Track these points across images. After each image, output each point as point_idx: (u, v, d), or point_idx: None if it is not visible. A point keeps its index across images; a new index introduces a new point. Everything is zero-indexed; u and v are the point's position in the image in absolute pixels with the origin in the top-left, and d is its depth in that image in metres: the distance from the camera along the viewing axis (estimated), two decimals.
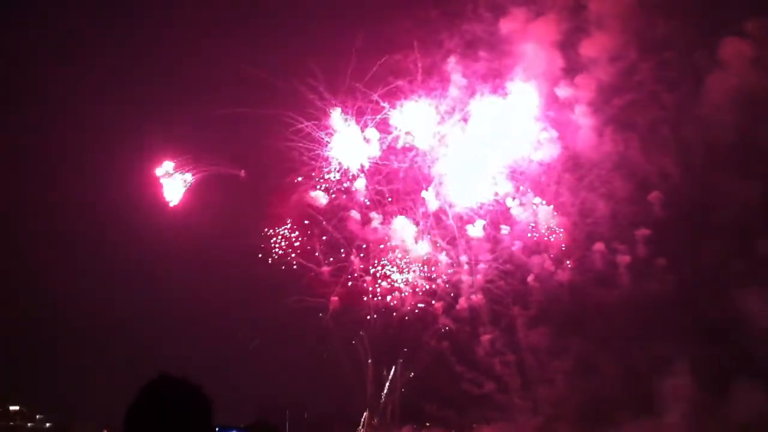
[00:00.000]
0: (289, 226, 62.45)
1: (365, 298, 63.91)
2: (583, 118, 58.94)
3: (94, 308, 61.50)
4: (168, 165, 61.56)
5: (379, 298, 63.94)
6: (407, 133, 62.30)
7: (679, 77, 56.40)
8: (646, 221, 59.11)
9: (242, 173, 61.70)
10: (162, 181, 61.30)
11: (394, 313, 63.40)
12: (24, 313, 61.59)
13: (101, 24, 65.04)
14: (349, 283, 63.31)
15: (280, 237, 62.51)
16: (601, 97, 59.03)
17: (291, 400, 60.47)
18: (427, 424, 61.53)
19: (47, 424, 67.63)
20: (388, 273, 63.95)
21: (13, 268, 61.63)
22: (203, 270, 61.68)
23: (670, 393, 52.45)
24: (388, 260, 63.84)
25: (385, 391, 62.77)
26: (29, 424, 67.93)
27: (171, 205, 61.69)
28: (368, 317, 63.49)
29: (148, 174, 61.34)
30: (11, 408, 68.07)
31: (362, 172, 62.46)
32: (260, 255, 61.83)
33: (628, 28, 57.34)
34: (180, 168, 61.63)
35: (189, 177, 61.80)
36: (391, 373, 62.61)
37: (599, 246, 61.19)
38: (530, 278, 61.53)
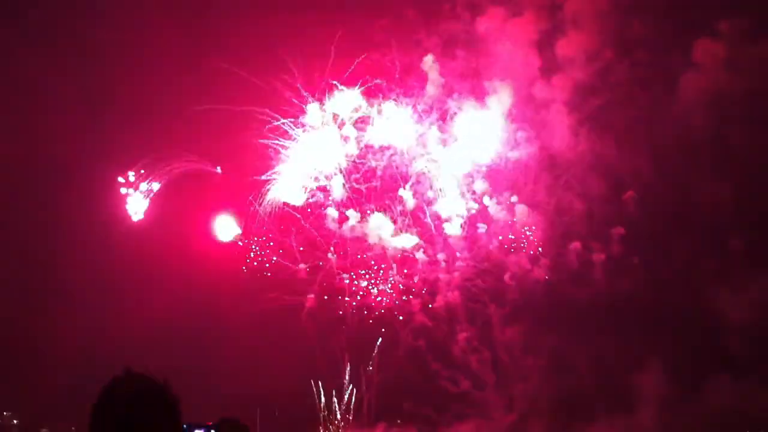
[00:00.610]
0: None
1: (342, 297, 64.42)
2: (559, 118, 59.66)
3: (63, 307, 61.49)
4: (131, 174, 61.80)
5: (359, 296, 64.51)
6: (384, 132, 62.84)
7: (654, 77, 57.39)
8: (621, 220, 60.04)
9: (218, 169, 62.16)
10: (126, 191, 61.59)
11: (370, 311, 63.88)
12: None
13: (61, 20, 64.44)
14: (325, 282, 63.85)
15: (254, 237, 62.96)
16: (577, 97, 59.92)
17: (261, 398, 60.81)
18: (398, 420, 62.07)
19: (14, 421, 67.52)
20: (364, 271, 64.54)
21: None
22: (173, 271, 61.86)
23: (644, 389, 53.35)
24: (364, 258, 64.40)
25: (360, 388, 63.40)
26: None
27: (135, 219, 61.92)
28: (344, 315, 63.91)
29: (110, 185, 61.59)
30: None
31: (339, 170, 62.94)
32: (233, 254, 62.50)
33: (603, 28, 58.22)
34: (145, 175, 61.82)
35: (155, 186, 61.99)
36: (368, 369, 63.35)
37: (575, 245, 62.00)
38: (506, 276, 62.22)
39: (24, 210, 63.01)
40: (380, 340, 63.63)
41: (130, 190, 61.64)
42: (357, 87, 62.28)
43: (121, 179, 61.44)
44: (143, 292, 62.33)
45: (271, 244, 63.26)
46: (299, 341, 62.95)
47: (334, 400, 63.11)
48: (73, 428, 64.51)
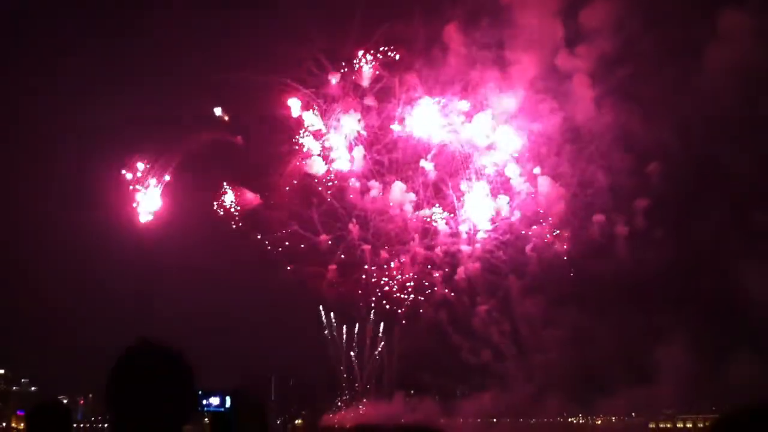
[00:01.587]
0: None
1: (363, 268, 65.01)
2: (583, 89, 59.58)
3: (80, 278, 62.57)
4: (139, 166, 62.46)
5: (384, 273, 65.01)
6: (407, 103, 63.12)
7: (679, 48, 57.01)
8: (645, 193, 60.03)
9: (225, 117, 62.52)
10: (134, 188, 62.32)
11: (391, 283, 64.44)
12: (7, 281, 62.66)
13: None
14: (345, 254, 64.45)
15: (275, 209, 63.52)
16: (602, 68, 59.64)
17: (277, 367, 61.72)
18: (411, 391, 62.96)
19: (32, 388, 68.75)
20: (386, 242, 65.07)
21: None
22: (192, 244, 62.79)
23: (665, 362, 53.66)
24: (386, 230, 64.89)
25: (380, 359, 64.20)
26: (14, 388, 69.24)
27: (144, 219, 62.41)
28: (365, 286, 64.54)
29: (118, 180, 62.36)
30: None
31: (361, 141, 63.36)
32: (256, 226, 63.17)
33: None
34: (155, 166, 62.19)
35: (165, 177, 62.30)
36: (375, 355, 64.08)
37: (598, 217, 62.06)
38: (528, 248, 62.48)
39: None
40: (382, 325, 64.33)
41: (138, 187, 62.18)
42: (379, 57, 62.62)
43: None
44: (163, 268, 63.13)
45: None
46: (317, 311, 63.89)
47: (351, 370, 64.13)
48: (90, 395, 65.84)
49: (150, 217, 61.59)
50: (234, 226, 63.12)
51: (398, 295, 64.57)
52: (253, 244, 62.76)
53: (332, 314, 65.07)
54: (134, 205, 61.50)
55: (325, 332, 64.28)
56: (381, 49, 62.88)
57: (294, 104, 62.63)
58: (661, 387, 54.04)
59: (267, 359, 60.66)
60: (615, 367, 55.25)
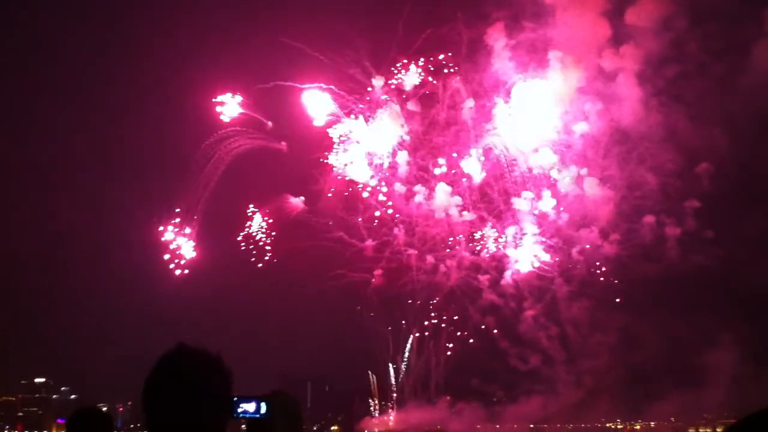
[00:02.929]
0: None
1: (409, 273, 65.65)
2: (629, 90, 59.78)
3: (121, 287, 64.31)
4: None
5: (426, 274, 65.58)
6: (450, 108, 63.86)
7: (726, 47, 57.01)
8: (695, 194, 60.03)
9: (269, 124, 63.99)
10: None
11: (437, 288, 65.08)
12: (51, 292, 64.71)
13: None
14: (390, 259, 65.22)
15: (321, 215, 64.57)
16: (648, 68, 59.78)
17: (314, 373, 62.69)
18: (448, 397, 63.58)
19: (72, 396, 70.50)
20: (432, 247, 65.69)
21: (42, 254, 64.86)
22: (236, 253, 64.30)
23: (715, 366, 53.64)
24: (432, 234, 65.53)
25: (426, 363, 64.87)
26: (54, 396, 71.20)
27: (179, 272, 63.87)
28: (412, 291, 65.24)
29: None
30: (36, 380, 71.36)
31: (404, 146, 64.20)
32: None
33: None
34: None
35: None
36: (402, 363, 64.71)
37: (648, 219, 62.08)
38: (575, 251, 62.70)
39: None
40: (414, 335, 64.94)
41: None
42: (422, 62, 63.52)
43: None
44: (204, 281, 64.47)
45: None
46: (361, 317, 64.86)
47: (391, 375, 64.92)
48: (129, 403, 67.40)
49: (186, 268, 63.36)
50: (257, 263, 64.52)
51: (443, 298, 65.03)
52: (296, 252, 63.82)
53: (373, 319, 65.71)
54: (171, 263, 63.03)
55: (367, 337, 65.09)
56: (424, 54, 63.74)
57: (338, 111, 63.75)
58: (708, 391, 54.00)
59: (304, 365, 61.76)
60: (662, 371, 55.38)
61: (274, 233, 64.85)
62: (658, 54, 59.43)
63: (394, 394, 65.22)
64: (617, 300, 59.40)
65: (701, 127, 59.51)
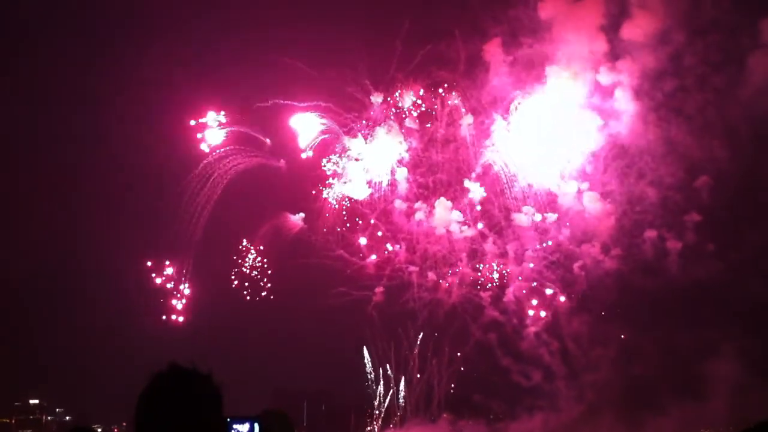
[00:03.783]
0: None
1: (410, 290, 65.94)
2: (626, 104, 60.29)
3: (114, 309, 64.63)
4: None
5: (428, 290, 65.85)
6: (449, 125, 64.42)
7: (723, 60, 57.52)
8: (695, 207, 60.43)
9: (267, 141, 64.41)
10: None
11: (439, 305, 65.34)
12: (44, 312, 65.04)
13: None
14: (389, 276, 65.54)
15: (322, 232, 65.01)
16: (646, 82, 60.31)
17: (309, 392, 62.84)
18: (449, 415, 63.66)
19: (67, 417, 70.72)
20: (433, 264, 66.03)
21: (35, 272, 65.27)
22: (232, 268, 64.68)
23: (716, 379, 53.79)
24: (433, 251, 65.88)
25: (427, 380, 65.05)
26: (49, 417, 71.44)
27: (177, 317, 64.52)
28: (413, 308, 65.53)
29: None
30: (31, 402, 71.66)
31: (403, 164, 64.70)
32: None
33: (670, 10, 58.49)
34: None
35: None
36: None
37: (650, 233, 62.39)
38: (577, 266, 62.96)
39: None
40: (415, 352, 65.17)
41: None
42: (422, 80, 64.17)
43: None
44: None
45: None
46: (361, 335, 65.24)
47: (390, 393, 65.10)
48: (124, 424, 67.52)
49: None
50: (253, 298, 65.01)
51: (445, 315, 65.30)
52: (294, 271, 64.31)
53: (374, 337, 66.02)
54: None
55: (366, 356, 65.38)
56: (422, 71, 64.36)
57: (336, 129, 64.35)
58: (710, 404, 54.13)
59: (299, 383, 62.02)
60: (663, 384, 55.57)
61: (269, 270, 65.53)
62: (655, 68, 59.99)
63: (399, 413, 65.41)
64: (618, 314, 59.54)
65: (700, 140, 60.08)
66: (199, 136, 63.36)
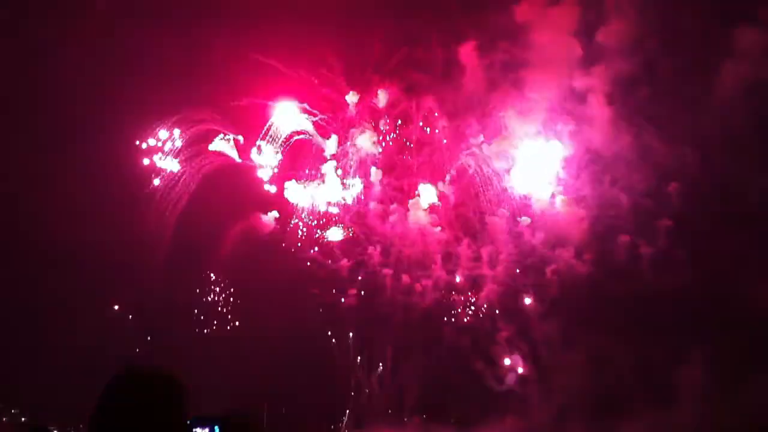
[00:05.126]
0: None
1: (384, 293, 66.33)
2: (599, 110, 60.93)
3: (72, 306, 64.24)
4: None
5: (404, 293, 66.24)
6: (423, 127, 64.91)
7: (697, 67, 58.19)
8: (667, 213, 61.09)
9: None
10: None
11: (413, 308, 65.72)
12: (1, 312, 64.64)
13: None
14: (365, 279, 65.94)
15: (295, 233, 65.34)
16: (618, 88, 60.95)
17: (272, 393, 63.01)
18: (405, 419, 64.08)
19: (22, 419, 70.53)
20: (407, 267, 66.42)
21: None
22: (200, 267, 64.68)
23: (686, 386, 54.51)
24: (407, 254, 66.28)
25: (400, 384, 65.42)
26: (4, 419, 71.18)
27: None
28: (386, 312, 65.86)
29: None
30: None
31: (378, 165, 65.13)
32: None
33: (644, 16, 59.14)
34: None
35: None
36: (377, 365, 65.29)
37: (624, 238, 63.04)
38: (549, 270, 63.53)
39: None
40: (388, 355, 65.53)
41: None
42: (396, 81, 64.53)
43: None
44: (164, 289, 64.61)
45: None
46: (330, 337, 65.45)
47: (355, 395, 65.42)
48: (81, 426, 67.38)
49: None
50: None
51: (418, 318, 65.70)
52: (262, 272, 64.53)
53: (344, 339, 66.31)
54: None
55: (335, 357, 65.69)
56: (399, 73, 64.75)
57: (309, 128, 64.61)
58: (681, 410, 54.80)
59: (261, 386, 62.09)
60: (634, 389, 56.17)
61: (236, 299, 65.94)
62: (628, 74, 60.58)
63: (365, 417, 65.70)
64: (589, 319, 60.11)
65: (671, 147, 60.74)
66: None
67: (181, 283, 64.82)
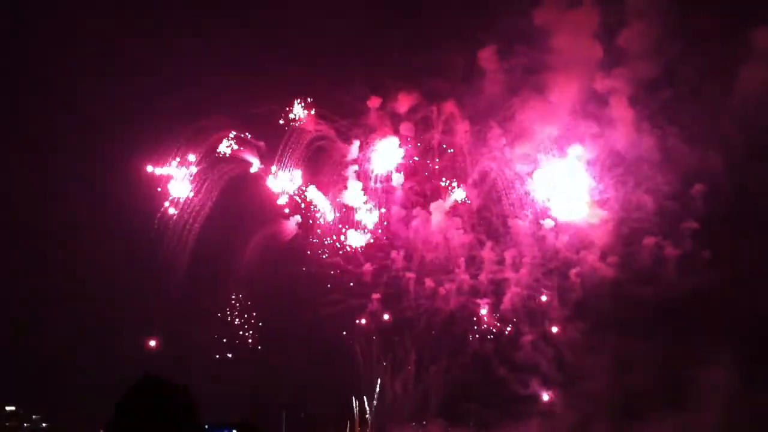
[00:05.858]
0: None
1: (407, 298, 66.57)
2: (621, 112, 60.93)
3: (92, 314, 65.13)
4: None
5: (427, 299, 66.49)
6: (445, 132, 65.16)
7: (718, 69, 58.22)
8: (693, 215, 61.11)
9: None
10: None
11: (437, 312, 65.95)
12: (21, 319, 65.58)
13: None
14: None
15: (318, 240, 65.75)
16: (641, 90, 60.97)
17: (292, 400, 63.48)
18: (441, 422, 64.25)
19: (43, 424, 71.34)
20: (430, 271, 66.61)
21: (8, 277, 65.85)
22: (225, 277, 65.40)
23: (710, 388, 54.45)
24: (430, 258, 66.48)
25: (423, 388, 65.69)
26: (25, 425, 72.03)
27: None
28: (410, 316, 66.12)
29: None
30: (7, 408, 72.25)
31: (399, 170, 65.41)
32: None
33: (666, 19, 59.11)
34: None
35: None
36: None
37: (648, 241, 63.00)
38: (573, 273, 63.53)
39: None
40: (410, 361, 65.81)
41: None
42: (417, 87, 64.93)
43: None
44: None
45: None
46: (351, 342, 65.99)
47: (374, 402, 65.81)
48: (101, 431, 67.89)
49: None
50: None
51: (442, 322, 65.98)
52: (283, 277, 65.10)
53: (367, 345, 66.70)
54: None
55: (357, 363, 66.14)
56: (420, 78, 65.07)
57: (331, 135, 65.15)
58: (706, 412, 54.73)
59: (282, 392, 62.57)
60: (658, 391, 56.22)
61: (256, 306, 66.67)
62: (650, 76, 60.61)
63: (386, 420, 66.00)
64: (613, 321, 60.20)
65: (695, 149, 60.76)
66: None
67: (201, 290, 65.47)
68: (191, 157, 64.42)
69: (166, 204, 64.39)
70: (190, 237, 64.17)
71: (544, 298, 64.94)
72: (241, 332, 66.53)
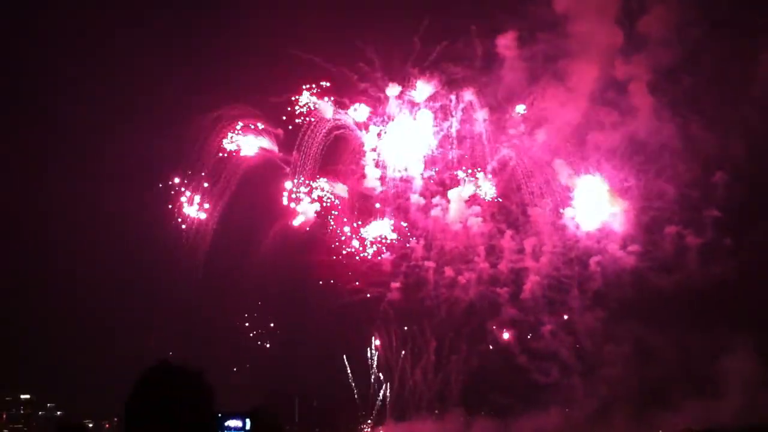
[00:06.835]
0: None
1: (427, 287, 66.81)
2: (641, 99, 60.87)
3: (109, 298, 65.87)
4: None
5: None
6: (464, 121, 65.25)
7: (740, 55, 58.04)
8: (714, 203, 61.08)
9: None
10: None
11: (456, 301, 66.17)
12: (36, 307, 66.49)
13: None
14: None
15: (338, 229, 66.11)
16: (662, 77, 60.91)
17: (307, 388, 63.97)
18: (461, 410, 64.57)
19: (58, 413, 72.29)
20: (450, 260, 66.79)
21: (28, 268, 66.74)
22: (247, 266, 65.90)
23: (730, 376, 54.50)
24: (449, 247, 66.67)
25: (443, 376, 66.04)
26: (40, 413, 73.11)
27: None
28: (429, 305, 66.39)
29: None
30: (22, 396, 73.36)
31: (419, 159, 65.63)
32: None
33: (688, 4, 59.02)
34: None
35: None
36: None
37: (670, 229, 63.00)
38: (593, 261, 63.57)
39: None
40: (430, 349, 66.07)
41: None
42: (438, 76, 65.06)
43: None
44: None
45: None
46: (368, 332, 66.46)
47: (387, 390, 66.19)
48: (116, 419, 68.72)
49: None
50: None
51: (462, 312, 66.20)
52: (301, 267, 65.58)
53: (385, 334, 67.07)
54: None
55: (372, 352, 66.52)
56: (439, 66, 65.20)
57: (349, 124, 65.48)
58: (725, 400, 54.84)
59: (297, 381, 63.07)
60: (678, 381, 56.33)
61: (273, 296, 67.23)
62: (671, 63, 60.51)
63: (403, 408, 66.40)
64: (634, 311, 60.32)
65: (717, 136, 60.65)
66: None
67: (218, 281, 66.04)
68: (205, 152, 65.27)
69: (183, 200, 65.24)
70: (209, 228, 64.85)
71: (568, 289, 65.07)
72: (256, 331, 67.27)
